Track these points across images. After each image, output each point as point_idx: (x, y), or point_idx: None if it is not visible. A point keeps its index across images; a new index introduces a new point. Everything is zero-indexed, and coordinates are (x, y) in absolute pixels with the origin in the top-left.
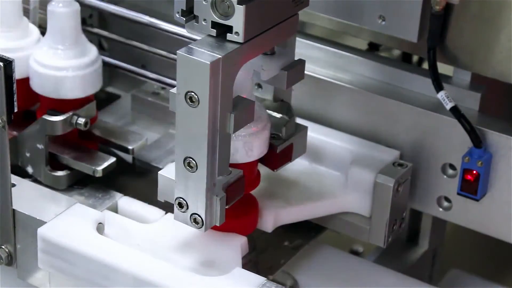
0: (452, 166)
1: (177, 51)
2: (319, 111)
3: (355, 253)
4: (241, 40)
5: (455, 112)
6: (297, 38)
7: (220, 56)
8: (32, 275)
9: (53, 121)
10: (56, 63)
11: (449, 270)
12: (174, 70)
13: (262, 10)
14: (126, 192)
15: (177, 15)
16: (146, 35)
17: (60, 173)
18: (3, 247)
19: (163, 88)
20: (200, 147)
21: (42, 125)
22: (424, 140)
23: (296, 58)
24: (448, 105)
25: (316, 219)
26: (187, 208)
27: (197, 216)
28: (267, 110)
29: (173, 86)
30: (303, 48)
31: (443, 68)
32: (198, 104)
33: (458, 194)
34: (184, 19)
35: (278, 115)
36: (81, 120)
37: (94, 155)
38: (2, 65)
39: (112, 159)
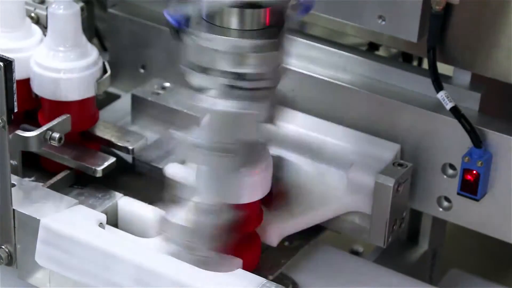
0: (452, 166)
1: None
2: (319, 111)
3: (355, 253)
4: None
5: (455, 112)
6: (297, 38)
7: None
8: (32, 275)
9: (26, 136)
10: (55, 65)
11: (449, 270)
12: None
13: None
14: (126, 192)
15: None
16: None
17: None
18: (3, 247)
19: (163, 88)
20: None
21: (15, 141)
22: (424, 140)
23: (296, 59)
24: (448, 105)
25: None
26: None
27: None
28: None
29: None
30: (303, 48)
31: (443, 68)
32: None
33: (458, 194)
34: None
35: None
36: (56, 135)
37: (94, 155)
38: (2, 65)
39: (112, 159)
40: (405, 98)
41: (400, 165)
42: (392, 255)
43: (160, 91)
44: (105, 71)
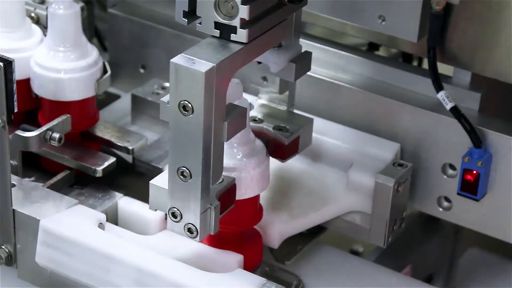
0: (452, 166)
1: (170, 60)
2: (319, 111)
3: (355, 253)
4: (245, 40)
5: (455, 112)
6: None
7: (214, 65)
8: (32, 275)
9: (26, 136)
10: (55, 65)
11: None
12: None
13: (264, 9)
14: (126, 192)
15: (179, 16)
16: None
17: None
18: (3, 247)
19: (163, 88)
20: (195, 157)
21: (15, 141)
22: (424, 140)
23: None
24: (448, 105)
25: None
26: (181, 218)
27: (191, 225)
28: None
29: None
30: (303, 48)
31: (443, 68)
32: (192, 113)
33: (458, 194)
34: (186, 20)
35: (284, 108)
36: (56, 135)
37: (94, 155)
38: (2, 65)
39: (112, 159)
40: (405, 98)
41: (400, 165)
42: (392, 255)
43: (160, 91)
44: (105, 71)
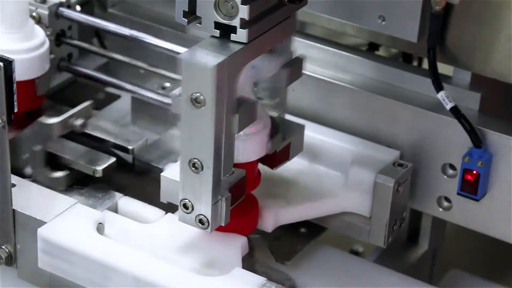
0: (452, 166)
1: (180, 54)
2: (319, 111)
3: (355, 253)
4: (245, 40)
5: (455, 112)
6: (297, 38)
7: (225, 57)
8: (32, 275)
9: (50, 123)
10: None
11: (449, 270)
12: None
13: (264, 9)
14: (126, 192)
15: (179, 16)
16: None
17: (59, 173)
18: (3, 247)
19: (163, 88)
20: (206, 149)
21: (40, 127)
22: (424, 140)
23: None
24: (448, 105)
25: (316, 219)
26: (193, 209)
27: (202, 217)
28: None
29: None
30: (303, 48)
31: (443, 68)
32: (204, 106)
33: (458, 194)
34: (186, 20)
35: (275, 114)
36: (78, 122)
37: (94, 155)
38: (2, 65)
39: (112, 159)
40: (405, 98)
41: (400, 165)
42: (392, 255)
43: (160, 91)
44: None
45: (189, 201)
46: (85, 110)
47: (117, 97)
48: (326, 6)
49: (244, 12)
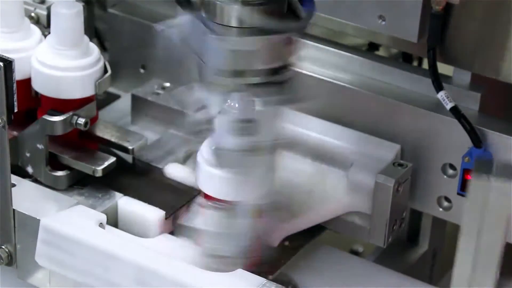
0: (452, 166)
1: None
2: (319, 111)
3: (355, 253)
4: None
5: (455, 112)
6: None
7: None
8: (32, 275)
9: (53, 121)
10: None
11: (449, 270)
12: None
13: None
14: (126, 192)
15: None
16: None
17: (60, 173)
18: (3, 247)
19: (163, 88)
20: None
21: (42, 125)
22: (424, 140)
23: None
24: (448, 105)
25: None
26: None
27: None
28: None
29: None
30: (304, 48)
31: (443, 68)
32: None
33: (458, 194)
34: None
35: None
36: (81, 120)
37: (94, 155)
38: (2, 65)
39: (112, 159)
40: (405, 98)
41: (400, 165)
42: (392, 255)
43: (160, 91)
44: (105, 71)
45: None
46: (89, 109)
47: (117, 97)
48: (326, 6)
49: None
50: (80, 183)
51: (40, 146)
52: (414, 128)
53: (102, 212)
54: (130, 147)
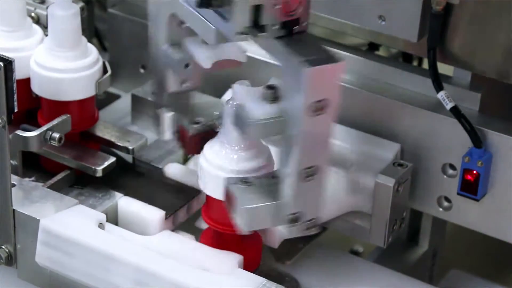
0: (452, 166)
1: (305, 68)
2: None
3: (355, 253)
4: (305, 28)
5: (455, 112)
6: None
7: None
8: (32, 275)
9: (26, 136)
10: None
11: (449, 270)
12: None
13: None
14: (126, 192)
15: (238, 35)
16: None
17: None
18: (3, 247)
19: None
20: (325, 152)
21: (15, 141)
22: (424, 140)
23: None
24: (448, 105)
25: None
26: (301, 219)
27: (309, 222)
28: None
29: None
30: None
31: (443, 68)
32: (326, 110)
33: (458, 194)
34: (252, 35)
35: None
36: (56, 135)
37: (94, 155)
38: (2, 65)
39: (112, 159)
40: (405, 98)
41: (400, 165)
42: (392, 255)
43: None
44: (105, 71)
45: (300, 212)
46: (63, 123)
47: (117, 97)
48: (326, 6)
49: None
50: (80, 183)
51: (13, 163)
52: (414, 128)
53: (102, 212)
54: (130, 147)
